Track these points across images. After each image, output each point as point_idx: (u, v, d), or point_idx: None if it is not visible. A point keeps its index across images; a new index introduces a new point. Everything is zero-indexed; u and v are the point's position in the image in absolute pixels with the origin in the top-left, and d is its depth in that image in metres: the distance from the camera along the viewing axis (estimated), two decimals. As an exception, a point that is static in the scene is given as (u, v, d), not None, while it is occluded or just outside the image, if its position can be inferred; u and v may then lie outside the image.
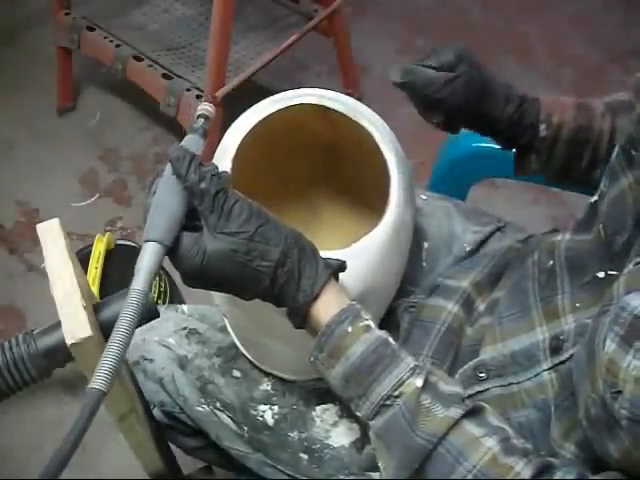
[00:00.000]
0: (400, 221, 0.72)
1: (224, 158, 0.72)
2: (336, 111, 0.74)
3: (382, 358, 0.60)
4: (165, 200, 0.60)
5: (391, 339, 0.62)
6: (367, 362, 0.60)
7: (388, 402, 0.59)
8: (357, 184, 0.90)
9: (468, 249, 0.89)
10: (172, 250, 0.59)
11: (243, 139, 0.72)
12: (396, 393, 0.59)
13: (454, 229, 0.91)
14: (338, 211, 0.94)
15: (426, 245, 0.90)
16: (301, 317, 0.62)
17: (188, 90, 1.57)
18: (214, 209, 0.59)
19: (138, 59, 1.64)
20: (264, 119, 0.73)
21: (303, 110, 0.75)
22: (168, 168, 0.61)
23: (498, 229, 0.91)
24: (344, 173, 0.91)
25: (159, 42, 1.70)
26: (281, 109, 0.74)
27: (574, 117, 0.77)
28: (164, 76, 1.61)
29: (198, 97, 1.55)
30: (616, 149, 0.66)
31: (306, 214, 0.94)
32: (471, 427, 0.58)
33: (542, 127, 0.77)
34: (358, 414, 0.62)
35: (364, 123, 0.74)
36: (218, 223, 0.59)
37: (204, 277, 0.60)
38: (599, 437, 0.53)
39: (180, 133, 1.70)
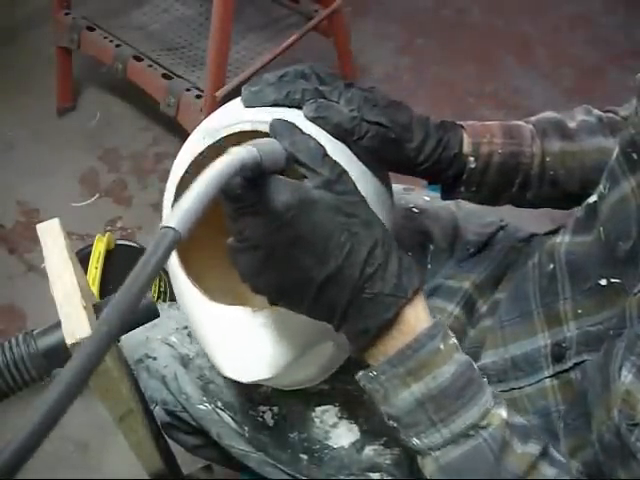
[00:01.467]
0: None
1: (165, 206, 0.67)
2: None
3: (471, 382, 0.54)
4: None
5: (472, 361, 0.56)
6: (456, 385, 0.54)
7: (471, 432, 0.54)
8: None
9: (471, 251, 0.89)
10: (259, 193, 0.48)
11: (179, 183, 0.65)
12: (483, 423, 0.54)
13: (457, 231, 0.91)
14: None
15: (432, 247, 0.90)
16: (391, 314, 0.52)
17: (188, 90, 1.57)
18: (323, 164, 0.51)
19: (138, 59, 1.64)
20: (198, 156, 0.64)
21: (240, 138, 0.63)
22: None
23: (501, 228, 0.91)
24: None
25: (159, 42, 1.70)
26: (214, 143, 0.64)
27: (503, 144, 0.71)
28: (164, 76, 1.61)
29: (198, 97, 1.55)
30: (616, 151, 0.65)
31: None
32: (546, 467, 0.55)
33: (471, 159, 0.69)
34: (416, 442, 0.55)
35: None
36: (326, 179, 0.51)
37: (297, 220, 0.49)
38: (611, 462, 0.53)
39: (180, 133, 1.70)
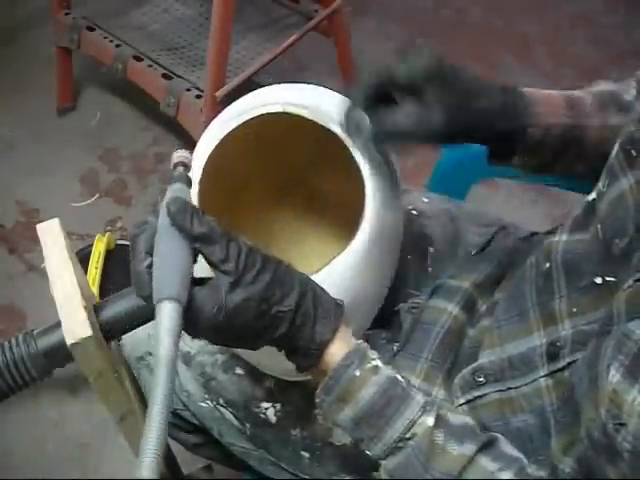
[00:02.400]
0: (377, 232, 0.69)
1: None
2: (300, 116, 0.71)
3: (392, 400, 0.59)
4: (170, 255, 0.55)
5: (400, 376, 0.61)
6: (377, 405, 0.59)
7: (400, 444, 0.59)
8: (335, 189, 0.89)
9: (473, 252, 0.89)
10: (187, 308, 0.54)
11: (207, 160, 0.70)
12: (408, 435, 0.59)
13: (458, 233, 0.90)
14: (317, 219, 0.93)
15: (431, 250, 0.90)
16: (313, 359, 0.61)
17: (188, 90, 1.57)
18: (229, 259, 0.56)
19: (138, 59, 1.64)
20: (228, 134, 0.70)
21: (270, 119, 0.71)
22: (162, 222, 0.56)
23: (501, 228, 0.91)
24: (321, 178, 0.90)
25: (159, 42, 1.70)
26: (245, 121, 0.71)
27: (564, 115, 0.72)
28: (164, 76, 1.61)
29: (198, 97, 1.55)
30: (615, 148, 0.65)
31: (283, 225, 0.93)
32: (486, 462, 0.58)
33: (532, 128, 0.71)
34: (369, 453, 0.61)
35: (331, 126, 0.70)
36: (235, 274, 0.56)
37: (224, 331, 0.57)
38: (599, 459, 0.53)
39: (180, 133, 1.70)
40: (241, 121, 0.71)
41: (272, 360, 0.80)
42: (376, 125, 0.66)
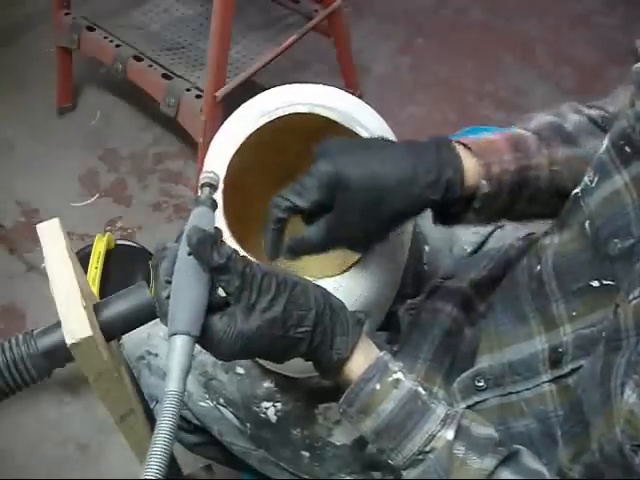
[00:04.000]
0: (393, 236, 0.70)
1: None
2: (328, 119, 0.72)
3: (412, 413, 0.60)
4: (185, 286, 0.56)
5: (421, 389, 0.62)
6: (397, 419, 0.60)
7: (420, 457, 0.60)
8: None
9: (469, 250, 0.89)
10: (203, 337, 0.56)
11: (234, 155, 0.71)
12: (427, 448, 0.60)
13: (454, 231, 0.90)
14: None
15: (427, 249, 0.90)
16: (334, 373, 0.63)
17: (188, 90, 1.57)
18: (245, 287, 0.57)
19: (138, 59, 1.64)
20: (254, 133, 0.71)
21: (295, 119, 0.72)
22: (182, 251, 0.57)
23: (498, 228, 0.91)
24: None
25: (159, 42, 1.70)
26: (271, 121, 0.71)
27: (513, 160, 0.68)
28: (164, 76, 1.61)
29: (198, 97, 1.55)
30: (605, 143, 0.64)
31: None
32: (507, 475, 0.58)
33: (483, 183, 0.66)
34: (391, 462, 0.62)
35: (359, 131, 0.71)
36: (250, 300, 0.57)
37: (243, 355, 0.59)
38: (612, 471, 0.53)
39: (180, 133, 1.70)
40: (270, 119, 0.70)
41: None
42: (295, 241, 0.65)
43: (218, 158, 0.72)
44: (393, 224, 0.67)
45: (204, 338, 0.56)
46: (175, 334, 0.55)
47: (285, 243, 0.65)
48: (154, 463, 0.48)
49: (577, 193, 0.66)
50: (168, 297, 0.57)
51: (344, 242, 0.66)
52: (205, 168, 0.72)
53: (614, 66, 2.03)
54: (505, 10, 2.20)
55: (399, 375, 0.62)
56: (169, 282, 0.57)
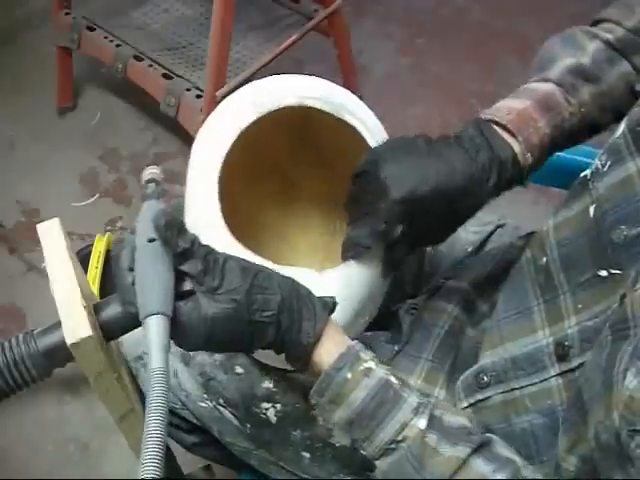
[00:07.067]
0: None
1: (209, 170, 0.71)
2: (320, 110, 0.72)
3: (384, 403, 0.60)
4: (151, 271, 0.57)
5: (393, 378, 0.61)
6: (368, 408, 0.60)
7: (392, 446, 0.60)
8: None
9: (469, 250, 0.88)
10: (172, 322, 0.57)
11: (227, 154, 0.71)
12: (399, 438, 0.59)
13: None
14: (325, 215, 0.93)
15: (428, 248, 0.90)
16: (303, 361, 0.62)
17: (188, 90, 1.57)
18: (208, 271, 0.58)
19: (138, 59, 1.64)
20: (245, 128, 0.71)
21: (286, 111, 0.72)
22: (141, 240, 0.58)
23: (499, 227, 0.91)
24: (333, 171, 0.90)
25: (159, 42, 1.70)
26: (263, 115, 0.72)
27: (547, 123, 0.71)
28: (164, 76, 1.61)
29: (198, 97, 1.55)
30: (621, 127, 0.64)
31: (289, 219, 0.93)
32: (480, 464, 0.58)
33: (527, 156, 0.70)
34: (363, 453, 0.62)
35: (352, 122, 0.72)
36: (214, 284, 0.58)
37: (210, 342, 0.59)
38: (606, 462, 0.53)
39: (180, 133, 1.70)
40: (261, 114, 0.71)
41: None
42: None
43: (210, 155, 0.71)
44: (466, 219, 0.71)
45: (172, 324, 0.56)
46: (148, 316, 0.55)
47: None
48: (151, 444, 0.48)
49: (586, 175, 0.66)
50: (133, 283, 0.57)
51: (422, 246, 0.70)
52: (194, 163, 0.73)
53: (614, 66, 2.03)
54: (505, 10, 2.20)
55: (370, 364, 0.61)
56: (132, 269, 0.58)
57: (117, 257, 0.59)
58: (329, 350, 0.61)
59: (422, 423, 0.59)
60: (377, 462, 0.61)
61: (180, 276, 0.58)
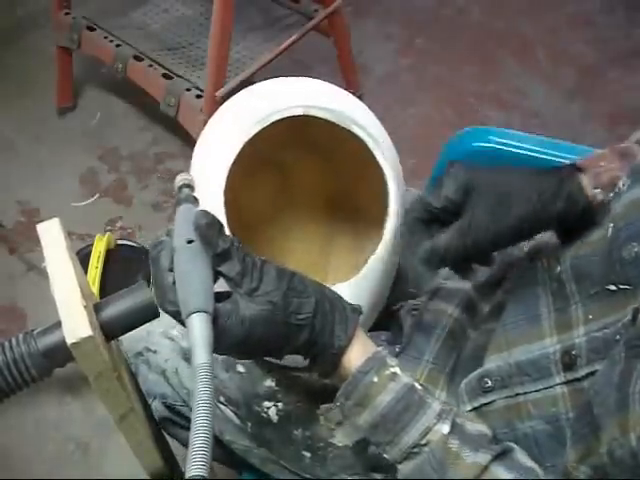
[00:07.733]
0: (394, 236, 0.74)
1: (214, 181, 0.71)
2: (325, 120, 0.73)
3: (409, 406, 0.61)
4: (191, 271, 0.57)
5: (418, 384, 0.63)
6: (394, 412, 0.61)
7: (416, 450, 0.61)
8: (354, 191, 0.90)
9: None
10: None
11: (234, 162, 0.71)
12: (423, 441, 0.60)
13: None
14: (333, 220, 0.93)
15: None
16: (333, 364, 0.63)
17: (188, 90, 1.57)
18: (246, 273, 0.59)
19: (138, 59, 1.64)
20: (249, 140, 0.72)
21: (291, 121, 0.72)
22: (180, 242, 0.58)
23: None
24: (339, 176, 0.90)
25: (159, 42, 1.70)
26: (266, 127, 0.72)
27: (621, 166, 0.70)
28: (164, 76, 1.61)
29: (198, 97, 1.55)
30: None
31: (303, 225, 0.94)
32: (501, 471, 0.58)
33: (596, 192, 0.68)
34: (386, 456, 0.63)
35: (355, 130, 0.73)
36: (252, 286, 0.59)
37: (247, 343, 0.59)
38: (621, 475, 0.53)
39: (180, 133, 1.70)
40: (266, 124, 0.71)
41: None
42: (425, 250, 0.69)
43: (215, 164, 0.71)
44: (517, 234, 0.69)
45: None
46: (192, 314, 0.55)
47: (418, 255, 0.69)
48: (200, 439, 0.47)
49: (608, 199, 0.67)
50: (174, 283, 0.57)
51: (472, 251, 0.68)
52: (197, 171, 0.72)
53: (614, 66, 2.03)
54: (505, 10, 2.20)
55: (396, 369, 0.63)
56: (172, 270, 0.58)
57: (156, 259, 0.59)
58: (358, 354, 0.63)
59: (445, 428, 0.60)
60: (400, 466, 0.62)
61: (216, 278, 0.59)
